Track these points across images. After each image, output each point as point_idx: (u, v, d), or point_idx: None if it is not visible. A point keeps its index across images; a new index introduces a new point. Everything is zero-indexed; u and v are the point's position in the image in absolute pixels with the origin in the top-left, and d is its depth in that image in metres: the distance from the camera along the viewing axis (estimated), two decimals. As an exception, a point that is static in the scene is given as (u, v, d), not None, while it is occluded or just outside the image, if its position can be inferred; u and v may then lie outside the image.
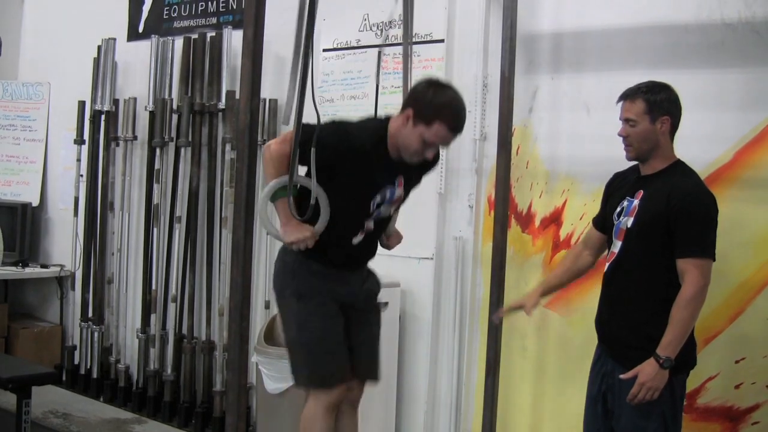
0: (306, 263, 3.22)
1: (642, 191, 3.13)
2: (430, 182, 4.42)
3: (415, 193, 3.43)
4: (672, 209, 2.99)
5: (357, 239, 3.25)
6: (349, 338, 3.30)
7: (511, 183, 4.16)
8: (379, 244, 3.44)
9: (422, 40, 4.56)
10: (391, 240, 3.48)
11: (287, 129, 3.05)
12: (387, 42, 4.79)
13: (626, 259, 3.13)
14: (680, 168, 3.15)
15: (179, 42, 5.66)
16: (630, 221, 3.11)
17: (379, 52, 4.83)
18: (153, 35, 5.73)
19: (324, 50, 5.03)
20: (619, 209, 3.19)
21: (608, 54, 3.99)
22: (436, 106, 3.03)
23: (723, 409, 3.65)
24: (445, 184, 4.50)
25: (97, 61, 5.98)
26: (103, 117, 5.98)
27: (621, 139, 3.15)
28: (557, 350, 4.13)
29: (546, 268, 4.17)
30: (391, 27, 4.80)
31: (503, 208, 4.04)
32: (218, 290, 5.34)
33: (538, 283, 3.61)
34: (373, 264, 3.48)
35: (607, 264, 3.23)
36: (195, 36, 5.55)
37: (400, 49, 4.69)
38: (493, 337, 4.02)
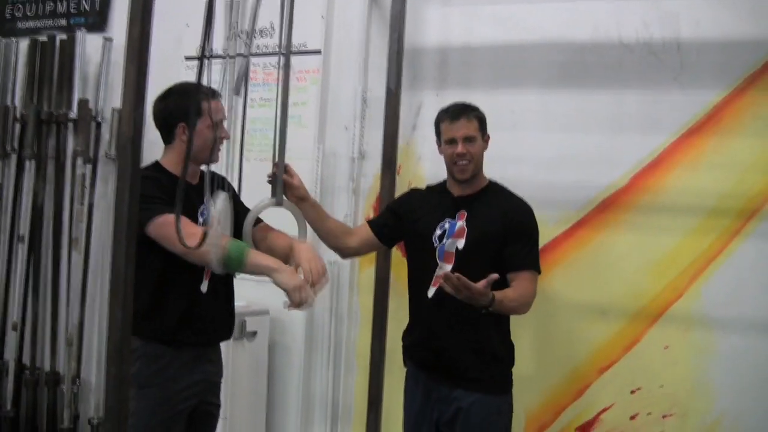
0: (149, 348, 2.86)
1: (465, 212, 3.07)
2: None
3: (287, 214, 3.12)
4: (509, 227, 3.00)
5: (204, 286, 2.91)
6: None
7: (393, 204, 3.92)
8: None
9: (296, 50, 4.26)
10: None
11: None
12: (256, 51, 4.50)
13: None
14: (499, 187, 3.17)
15: (24, 44, 5.15)
16: (460, 243, 3.03)
17: (247, 63, 4.52)
18: (-6, 35, 5.22)
19: (186, 58, 4.67)
20: (439, 231, 3.09)
21: (499, 71, 3.82)
22: (179, 102, 2.86)
23: (618, 441, 3.56)
24: (319, 203, 4.20)
25: (-75, 62, 5.40)
26: (-67, 124, 5.37)
27: (457, 159, 3.10)
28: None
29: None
30: (260, 36, 4.50)
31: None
32: (66, 316, 4.85)
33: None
34: (240, 289, 3.16)
35: (433, 288, 3.07)
36: (43, 38, 5.07)
37: (269, 59, 4.44)
38: (376, 371, 3.76)
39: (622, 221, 3.52)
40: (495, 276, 2.78)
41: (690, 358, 3.45)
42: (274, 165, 3.04)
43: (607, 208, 3.56)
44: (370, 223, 3.41)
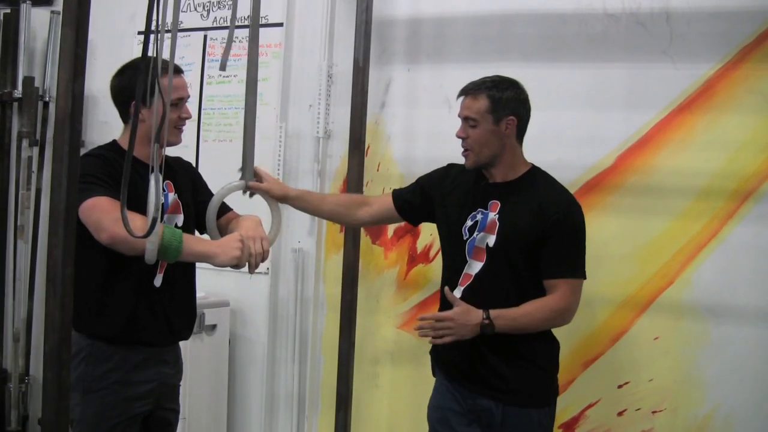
0: (95, 348, 2.62)
1: (498, 202, 2.73)
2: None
3: (246, 199, 2.91)
4: (546, 224, 2.64)
5: (158, 280, 2.66)
6: None
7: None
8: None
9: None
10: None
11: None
12: (214, 25, 4.28)
13: (489, 281, 2.70)
14: (540, 175, 2.81)
15: (-35, 19, 4.88)
16: (491, 239, 2.69)
17: (205, 36, 4.27)
18: (-68, 10, 4.91)
19: (140, 33, 4.40)
20: (470, 223, 2.76)
21: (475, 43, 3.62)
22: (133, 78, 2.57)
23: (604, 438, 3.43)
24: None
25: None
26: None
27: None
28: (412, 377, 3.69)
29: (401, 284, 3.76)
30: (218, 8, 4.25)
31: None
32: (12, 310, 4.62)
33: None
34: (197, 279, 2.92)
35: (461, 288, 2.75)
36: (-15, 12, 4.80)
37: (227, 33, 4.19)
38: (345, 365, 3.53)
39: (607, 204, 3.36)
40: (453, 296, 2.65)
41: (681, 349, 3.30)
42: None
43: (591, 189, 3.39)
44: (395, 193, 3.07)
